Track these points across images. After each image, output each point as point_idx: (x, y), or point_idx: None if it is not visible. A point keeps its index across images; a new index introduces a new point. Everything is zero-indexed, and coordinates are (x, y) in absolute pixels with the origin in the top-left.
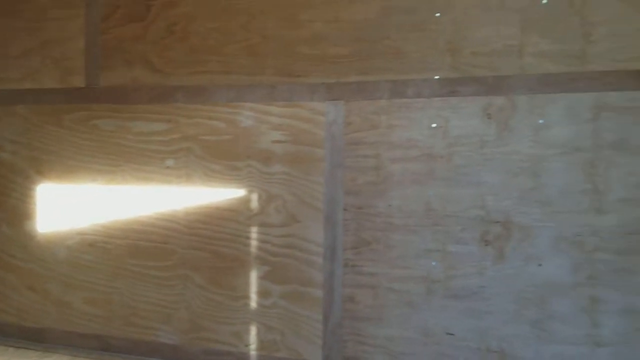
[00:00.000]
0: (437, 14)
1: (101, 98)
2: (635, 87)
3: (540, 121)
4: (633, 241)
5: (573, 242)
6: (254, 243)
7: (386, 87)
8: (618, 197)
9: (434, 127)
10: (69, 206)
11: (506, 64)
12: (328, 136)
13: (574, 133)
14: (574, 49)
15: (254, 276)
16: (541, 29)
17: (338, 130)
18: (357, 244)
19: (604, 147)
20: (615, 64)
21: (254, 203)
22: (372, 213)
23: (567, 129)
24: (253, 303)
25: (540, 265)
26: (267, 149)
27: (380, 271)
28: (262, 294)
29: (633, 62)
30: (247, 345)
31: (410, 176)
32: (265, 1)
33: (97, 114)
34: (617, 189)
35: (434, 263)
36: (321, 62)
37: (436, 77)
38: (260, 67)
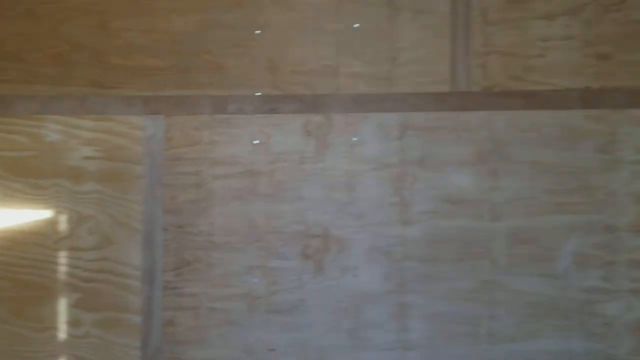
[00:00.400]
0: (257, 32)
1: None
2: (435, 109)
3: (355, 138)
4: (436, 249)
5: (384, 252)
6: (62, 269)
7: (207, 102)
8: (422, 209)
9: (256, 144)
10: None
11: (323, 83)
12: (146, 152)
13: (384, 150)
14: (383, 71)
15: (63, 305)
16: (354, 51)
17: (157, 146)
18: (178, 264)
19: (410, 163)
20: (419, 87)
21: (63, 225)
22: (193, 232)
23: (377, 146)
24: (62, 334)
25: (355, 275)
26: (77, 166)
27: (202, 291)
28: (73, 323)
29: (434, 85)
30: None
31: (232, 193)
32: (74, 7)
33: None
34: (421, 202)
35: (256, 280)
36: (138, 73)
37: (257, 93)
38: (69, 77)
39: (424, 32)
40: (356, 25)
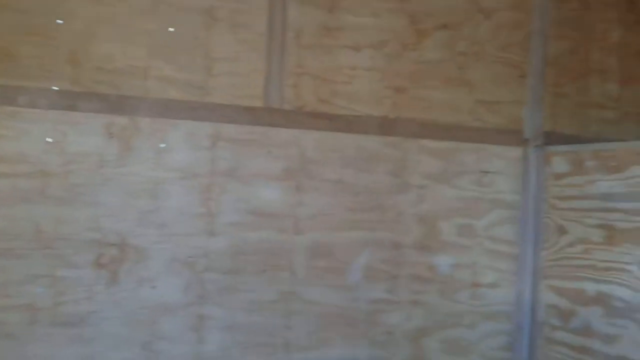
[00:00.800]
0: (59, 21)
1: None
2: (246, 122)
3: (162, 145)
4: (238, 261)
5: (186, 264)
6: None
7: None
8: (228, 221)
9: (50, 142)
10: None
11: (131, 84)
12: None
13: (193, 159)
14: (196, 79)
15: None
16: (167, 55)
17: None
18: None
19: (219, 174)
20: (232, 99)
21: None
22: None
23: (186, 154)
24: None
25: (153, 287)
26: None
27: None
28: None
29: (247, 99)
30: None
31: (18, 194)
32: None
33: None
34: (228, 213)
35: (41, 289)
36: None
37: (54, 88)
38: None
39: (240, 46)
40: (171, 29)
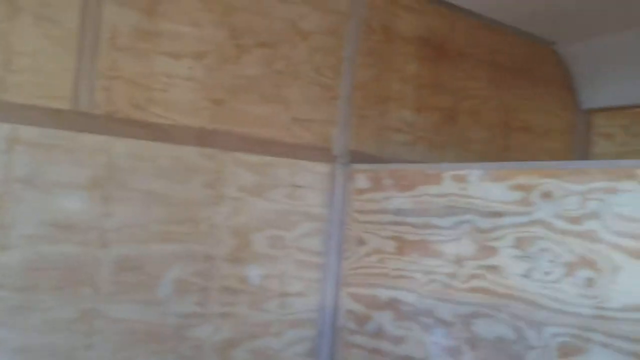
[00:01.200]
0: None
1: None
2: (49, 125)
3: None
4: (33, 278)
5: None
6: None
7: None
8: (23, 233)
9: None
10: None
11: None
12: None
13: None
14: None
15: None
16: None
17: None
18: None
19: (15, 182)
20: (35, 99)
21: None
22: None
23: None
24: None
25: None
26: None
27: None
28: None
29: (53, 101)
30: None
31: None
32: None
33: None
34: (23, 225)
35: None
36: None
37: None
38: None
39: (47, 42)
40: None
